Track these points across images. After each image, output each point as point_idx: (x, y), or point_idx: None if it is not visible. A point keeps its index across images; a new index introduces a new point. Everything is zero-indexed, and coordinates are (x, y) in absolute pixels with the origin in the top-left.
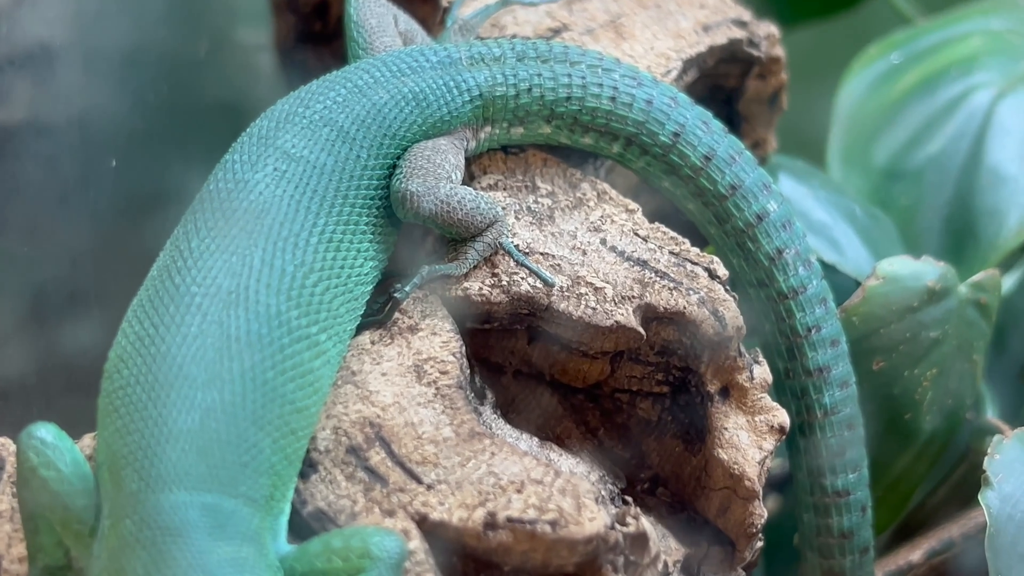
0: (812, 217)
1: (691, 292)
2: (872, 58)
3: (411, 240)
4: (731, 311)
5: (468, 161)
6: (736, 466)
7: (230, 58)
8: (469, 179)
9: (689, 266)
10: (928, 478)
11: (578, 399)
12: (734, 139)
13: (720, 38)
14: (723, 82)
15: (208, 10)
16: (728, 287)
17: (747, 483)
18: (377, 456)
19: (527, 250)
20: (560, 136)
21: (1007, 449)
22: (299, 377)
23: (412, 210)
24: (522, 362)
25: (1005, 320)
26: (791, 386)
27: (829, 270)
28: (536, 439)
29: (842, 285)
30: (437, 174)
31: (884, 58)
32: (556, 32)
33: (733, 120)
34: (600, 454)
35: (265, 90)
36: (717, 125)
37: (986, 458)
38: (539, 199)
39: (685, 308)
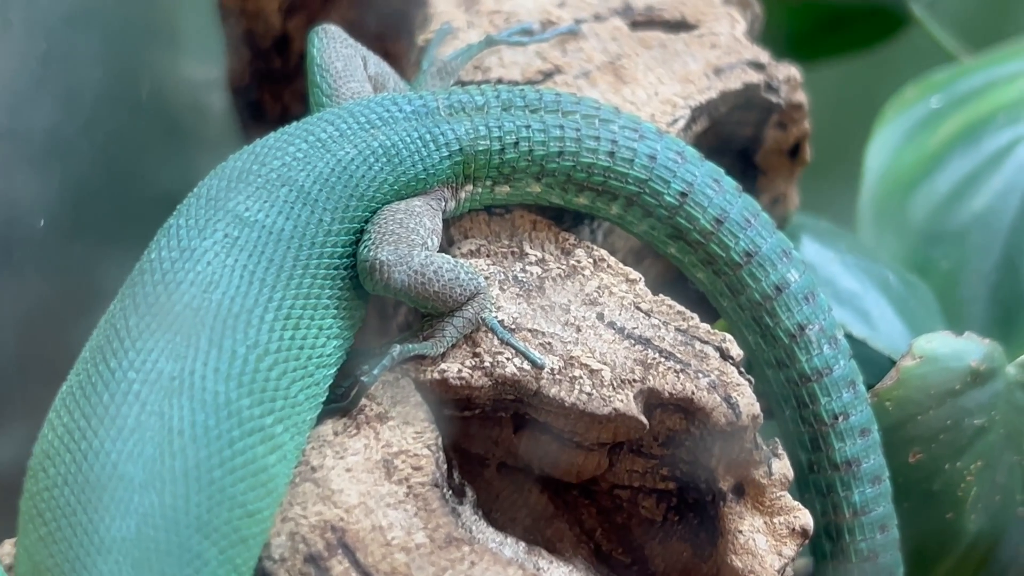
0: (839, 285)
1: (700, 375)
2: (909, 102)
3: (381, 312)
4: (746, 397)
5: (447, 224)
6: (752, 575)
7: (177, 98)
8: (447, 244)
9: (698, 345)
10: None
11: (572, 496)
12: (749, 199)
13: (734, 82)
14: (738, 131)
15: (151, 44)
16: (743, 369)
17: None
18: (340, 566)
19: (513, 326)
20: (551, 195)
21: None
22: (251, 476)
23: (382, 282)
24: (507, 454)
25: None
26: (816, 481)
27: (859, 346)
28: (523, 544)
29: (874, 362)
30: (411, 240)
31: (922, 102)
32: (547, 75)
33: (749, 174)
34: (597, 560)
35: (216, 134)
36: (730, 183)
37: None
38: (527, 267)
39: (693, 394)
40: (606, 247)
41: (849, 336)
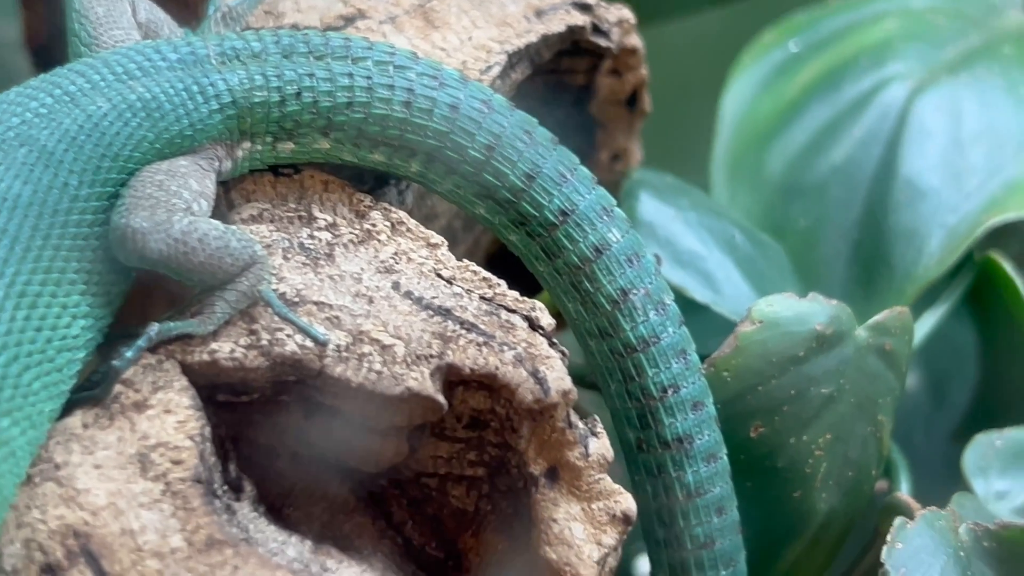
0: (680, 246)
1: (505, 348)
2: (766, 47)
3: (156, 287)
4: (555, 371)
5: (226, 186)
6: (568, 568)
7: None
8: (227, 209)
9: (504, 314)
10: (830, 570)
11: (380, 487)
12: (566, 152)
13: (557, 25)
14: (569, 80)
15: None
16: (554, 340)
17: None
18: None
19: (296, 299)
20: (343, 152)
21: (912, 535)
22: None
23: (136, 252)
24: (299, 442)
25: (941, 367)
26: (645, 461)
27: (702, 312)
28: (309, 542)
29: (720, 330)
30: (171, 205)
31: (781, 47)
32: (349, 21)
33: (587, 127)
34: (405, 555)
35: None
36: (543, 134)
37: (884, 547)
38: (316, 233)
39: (497, 369)
40: (425, 210)
41: (691, 301)
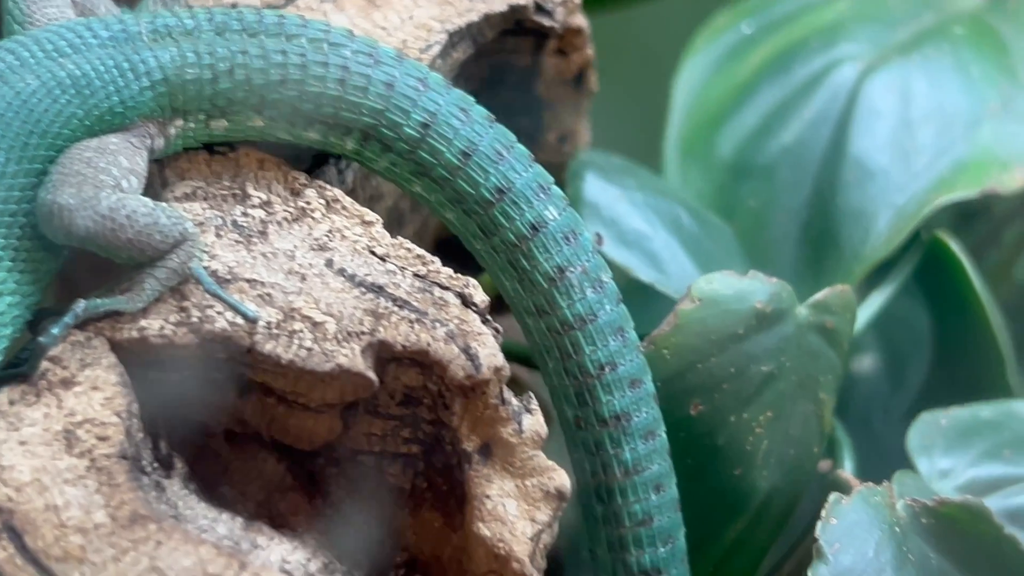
0: (625, 225)
1: (437, 324)
2: (719, 29)
3: (93, 265)
4: (487, 348)
5: (160, 165)
6: (501, 544)
7: None
8: (162, 187)
9: (437, 291)
10: (773, 548)
11: (318, 465)
12: (503, 129)
13: (498, 4)
14: (514, 60)
15: None
16: (487, 317)
17: (515, 565)
18: (3, 552)
19: (228, 276)
20: (278, 130)
21: (847, 512)
22: None
23: (63, 229)
24: (235, 420)
25: (897, 347)
26: (584, 439)
27: (645, 292)
28: (241, 520)
29: (666, 310)
30: (99, 181)
31: (734, 28)
32: (290, 0)
33: (534, 108)
34: (343, 533)
35: None
36: (480, 112)
37: (819, 523)
38: (249, 211)
39: (429, 345)
40: (370, 191)
41: (635, 281)
